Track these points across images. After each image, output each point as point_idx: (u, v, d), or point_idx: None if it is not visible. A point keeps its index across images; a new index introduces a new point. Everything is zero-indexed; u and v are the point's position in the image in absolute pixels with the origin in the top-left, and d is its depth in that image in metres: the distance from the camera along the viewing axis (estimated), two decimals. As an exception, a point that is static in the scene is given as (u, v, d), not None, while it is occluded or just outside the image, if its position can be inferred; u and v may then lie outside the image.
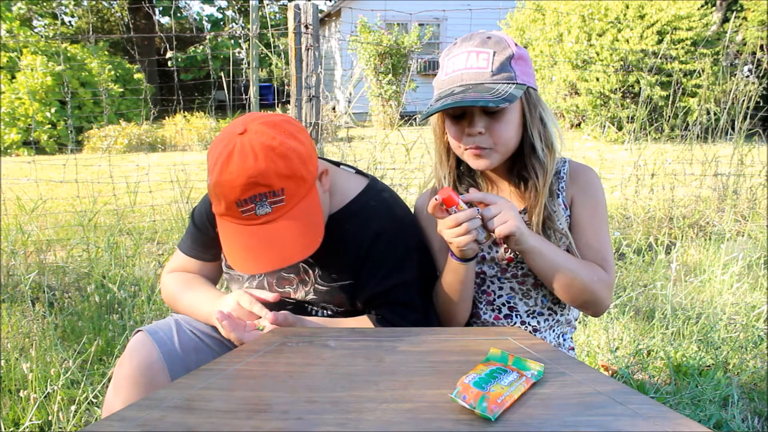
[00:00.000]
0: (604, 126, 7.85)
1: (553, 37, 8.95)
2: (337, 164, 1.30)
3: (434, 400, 0.80)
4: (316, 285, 1.22)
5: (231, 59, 5.09)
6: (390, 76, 10.25)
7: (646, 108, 5.10)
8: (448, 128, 1.14)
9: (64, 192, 4.25)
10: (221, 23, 22.45)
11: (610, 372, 2.10)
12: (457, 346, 1.00)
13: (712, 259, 3.08)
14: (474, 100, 1.02)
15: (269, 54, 4.88)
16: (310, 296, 1.23)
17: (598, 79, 8.23)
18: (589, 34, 8.46)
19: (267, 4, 19.87)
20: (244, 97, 5.10)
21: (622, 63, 8.05)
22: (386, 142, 3.62)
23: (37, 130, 9.20)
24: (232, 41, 15.05)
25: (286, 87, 3.76)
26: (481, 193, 1.05)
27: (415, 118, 3.50)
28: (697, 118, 4.20)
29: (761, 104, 4.22)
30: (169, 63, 15.56)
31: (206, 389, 0.84)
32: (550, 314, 1.23)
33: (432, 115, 1.12)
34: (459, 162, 1.21)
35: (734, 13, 8.18)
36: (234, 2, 20.64)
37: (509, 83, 1.05)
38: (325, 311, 1.24)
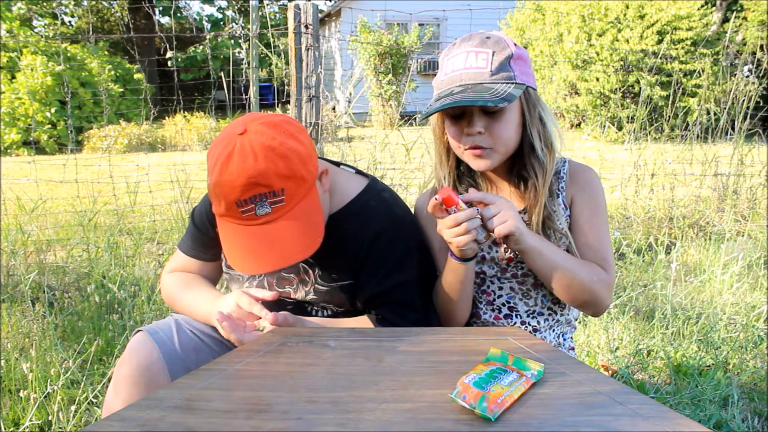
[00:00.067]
0: (604, 126, 7.86)
1: (553, 37, 8.95)
2: (337, 164, 1.30)
3: (434, 400, 0.80)
4: (316, 285, 1.22)
5: (231, 59, 5.09)
6: (390, 76, 10.26)
7: (646, 108, 5.10)
8: (448, 128, 1.14)
9: (64, 192, 4.25)
10: (221, 23, 22.45)
11: (610, 372, 2.10)
12: (457, 346, 1.00)
13: (712, 259, 3.08)
14: (473, 99, 1.02)
15: (269, 54, 4.88)
16: (310, 296, 1.23)
17: (598, 79, 8.23)
18: (589, 34, 8.46)
19: (267, 4, 19.88)
20: (244, 97, 5.10)
21: (622, 63, 8.05)
22: (386, 142, 3.62)
23: (37, 130, 9.20)
24: (232, 41, 15.05)
25: (286, 87, 3.76)
26: (480, 193, 1.05)
27: (415, 118, 3.50)
28: (697, 118, 4.20)
29: (761, 104, 4.22)
30: (169, 63, 15.57)
31: (206, 389, 0.84)
32: (550, 314, 1.23)
33: (431, 115, 1.12)
34: (459, 162, 1.21)
35: (734, 13, 8.19)
36: (234, 2, 20.65)
37: (508, 83, 1.05)
38: (325, 311, 1.24)
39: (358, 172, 1.31)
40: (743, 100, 4.00)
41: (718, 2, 10.81)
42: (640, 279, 2.94)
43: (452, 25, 11.52)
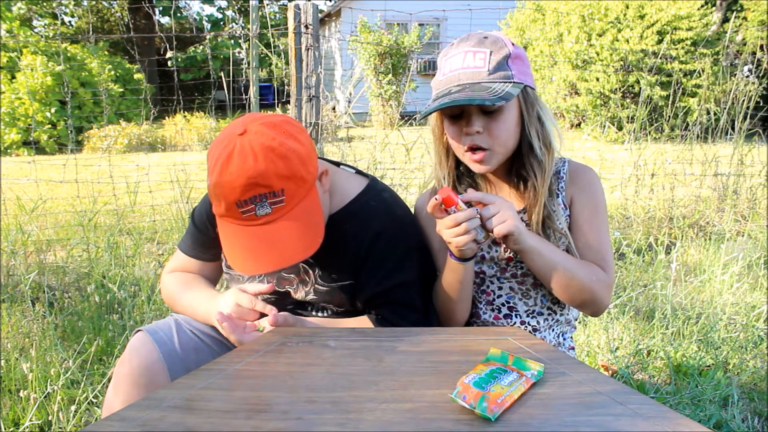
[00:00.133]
0: (604, 126, 7.86)
1: (553, 37, 8.95)
2: (337, 164, 1.30)
3: (434, 400, 0.80)
4: (316, 285, 1.22)
5: (231, 59, 5.09)
6: (390, 76, 10.26)
7: (646, 108, 5.10)
8: (447, 128, 1.14)
9: (64, 192, 4.25)
10: (221, 23, 22.45)
11: (610, 372, 2.10)
12: (457, 346, 1.00)
13: (712, 259, 3.08)
14: (470, 98, 1.02)
15: (269, 54, 4.88)
16: (310, 296, 1.23)
17: (598, 79, 8.23)
18: (589, 34, 8.47)
19: (267, 4, 19.87)
20: (244, 97, 5.10)
21: (622, 63, 8.06)
22: (386, 142, 3.62)
23: (37, 130, 9.21)
24: (232, 41, 15.05)
25: (286, 87, 3.76)
26: (479, 193, 1.05)
27: (415, 118, 3.50)
28: (697, 118, 4.20)
29: (761, 104, 4.22)
30: (169, 63, 15.57)
31: (206, 389, 0.84)
32: (549, 314, 1.23)
33: (429, 114, 1.12)
34: (458, 162, 1.21)
35: (734, 13, 8.19)
36: (234, 2, 20.65)
37: (506, 82, 1.06)
38: (325, 311, 1.24)
39: (358, 172, 1.31)
40: (743, 100, 4.00)
41: (718, 2, 10.81)
42: (640, 279, 2.94)
43: (452, 25, 11.52)
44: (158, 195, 3.83)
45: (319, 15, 3.03)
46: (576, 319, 1.31)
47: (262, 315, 1.14)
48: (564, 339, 1.27)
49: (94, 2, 18.27)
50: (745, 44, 7.83)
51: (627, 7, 8.44)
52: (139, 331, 1.20)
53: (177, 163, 3.67)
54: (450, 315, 1.19)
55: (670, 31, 7.92)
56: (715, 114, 4.23)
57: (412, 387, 0.84)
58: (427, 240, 1.25)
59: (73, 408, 1.72)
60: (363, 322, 1.20)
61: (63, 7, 17.32)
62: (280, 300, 1.24)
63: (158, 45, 17.85)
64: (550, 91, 8.84)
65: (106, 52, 12.91)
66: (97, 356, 2.04)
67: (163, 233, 3.37)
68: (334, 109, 7.45)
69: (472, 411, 0.74)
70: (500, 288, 1.23)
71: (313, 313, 1.25)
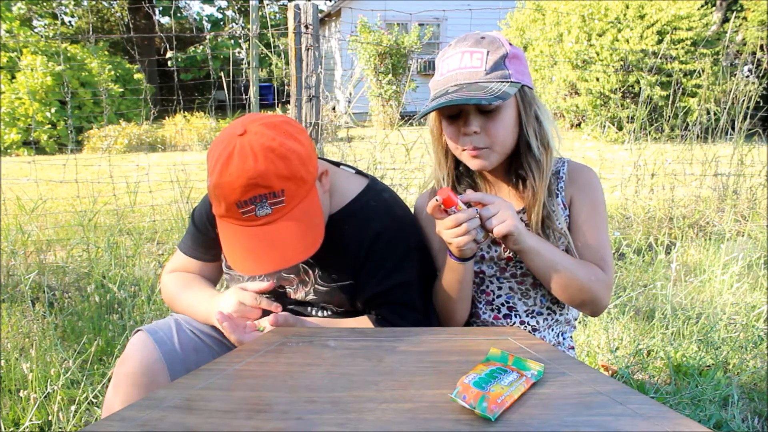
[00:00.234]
0: (604, 126, 7.86)
1: (553, 37, 8.95)
2: (337, 164, 1.30)
3: (434, 400, 0.80)
4: (316, 285, 1.22)
5: (231, 59, 5.09)
6: (390, 76, 10.26)
7: (646, 108, 5.10)
8: (445, 129, 1.15)
9: (64, 192, 4.25)
10: (221, 23, 22.45)
11: (610, 372, 2.10)
12: (457, 346, 1.00)
13: (712, 259, 3.09)
14: (467, 98, 1.02)
15: (269, 54, 4.88)
16: (310, 297, 1.23)
17: (598, 79, 8.23)
18: (589, 34, 8.47)
19: (267, 4, 19.87)
20: (244, 97, 5.10)
21: (622, 63, 8.06)
22: (386, 142, 3.62)
23: (37, 130, 9.21)
24: (232, 41, 15.05)
25: (286, 87, 3.76)
26: (479, 194, 1.05)
27: (415, 118, 3.50)
28: (697, 118, 4.20)
29: (761, 104, 4.22)
30: (169, 63, 15.57)
31: (206, 389, 0.84)
32: (549, 314, 1.23)
33: (427, 114, 1.12)
34: (458, 163, 1.21)
35: (734, 13, 8.19)
36: (234, 2, 20.65)
37: (503, 81, 1.06)
38: (325, 311, 1.24)
39: (358, 172, 1.31)
40: (743, 100, 4.00)
41: (718, 2, 10.81)
42: (640, 279, 2.94)
43: (452, 25, 11.53)
44: (158, 195, 3.83)
45: (319, 15, 3.03)
46: (576, 319, 1.31)
47: (264, 313, 1.14)
48: (564, 339, 1.27)
49: (94, 2, 18.27)
50: (745, 44, 7.83)
51: (627, 7, 8.44)
52: (139, 330, 1.20)
53: (177, 163, 3.67)
54: (450, 315, 1.19)
55: (670, 31, 7.93)
56: (715, 114, 4.23)
57: (412, 387, 0.84)
58: (426, 240, 1.25)
59: (73, 408, 1.72)
60: (363, 322, 1.20)
61: (63, 7, 17.32)
62: (280, 300, 1.24)
63: (158, 45, 17.85)
64: (550, 91, 8.84)
65: (106, 52, 12.91)
66: (97, 356, 2.04)
67: (163, 233, 3.38)
68: (334, 109, 7.45)
69: (472, 411, 0.74)
70: (500, 288, 1.23)
71: (313, 313, 1.25)
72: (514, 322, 1.22)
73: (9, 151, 9.09)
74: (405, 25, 11.30)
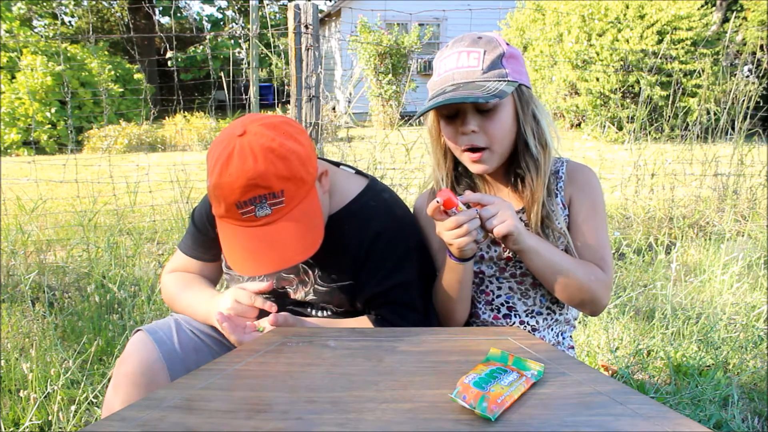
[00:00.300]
0: (604, 126, 7.86)
1: (553, 37, 8.95)
2: (337, 164, 1.30)
3: (434, 400, 0.80)
4: (315, 285, 1.22)
5: (231, 59, 5.10)
6: (390, 76, 10.26)
7: (646, 108, 5.10)
8: (443, 129, 1.15)
9: (64, 192, 4.25)
10: (221, 23, 22.45)
11: (610, 372, 2.10)
12: (457, 346, 1.00)
13: (712, 259, 3.09)
14: (464, 97, 1.02)
15: (269, 54, 4.88)
16: (310, 297, 1.23)
17: (598, 79, 8.23)
18: (589, 34, 8.47)
19: (267, 4, 19.87)
20: (244, 97, 5.10)
21: (622, 63, 8.05)
22: (386, 142, 3.62)
23: (37, 130, 9.21)
24: (232, 41, 15.05)
25: (286, 87, 3.76)
26: (478, 194, 1.05)
27: (413, 119, 3.50)
28: (697, 118, 4.20)
29: (761, 104, 4.22)
30: (169, 63, 15.57)
31: (206, 389, 0.84)
32: (548, 314, 1.23)
33: (424, 113, 1.12)
34: (456, 163, 1.21)
35: (734, 13, 8.19)
36: (234, 2, 20.65)
37: (500, 80, 1.06)
38: (324, 312, 1.24)
39: (358, 172, 1.31)
40: (743, 100, 4.00)
41: (718, 2, 10.81)
42: (640, 279, 2.94)
43: (452, 25, 11.53)
44: (158, 195, 3.83)
45: (319, 15, 3.03)
46: (575, 319, 1.31)
47: (262, 314, 1.14)
48: (563, 338, 1.27)
49: (94, 2, 18.27)
50: (745, 44, 7.83)
51: (627, 7, 8.44)
52: (138, 330, 1.20)
53: (177, 163, 3.67)
54: (449, 315, 1.19)
55: (670, 31, 7.93)
56: (715, 114, 4.23)
57: (412, 387, 0.84)
58: (426, 240, 1.25)
59: (73, 408, 1.72)
60: (363, 322, 1.20)
61: (63, 7, 17.32)
62: (280, 300, 1.24)
63: (158, 45, 17.85)
64: (550, 91, 8.84)
65: (106, 52, 12.91)
66: (97, 356, 2.04)
67: (163, 233, 3.38)
68: (334, 109, 7.45)
69: (472, 411, 0.74)
70: (499, 288, 1.23)
71: (313, 313, 1.25)
72: (514, 322, 1.22)
73: (9, 151, 9.09)
74: (405, 25, 11.30)
